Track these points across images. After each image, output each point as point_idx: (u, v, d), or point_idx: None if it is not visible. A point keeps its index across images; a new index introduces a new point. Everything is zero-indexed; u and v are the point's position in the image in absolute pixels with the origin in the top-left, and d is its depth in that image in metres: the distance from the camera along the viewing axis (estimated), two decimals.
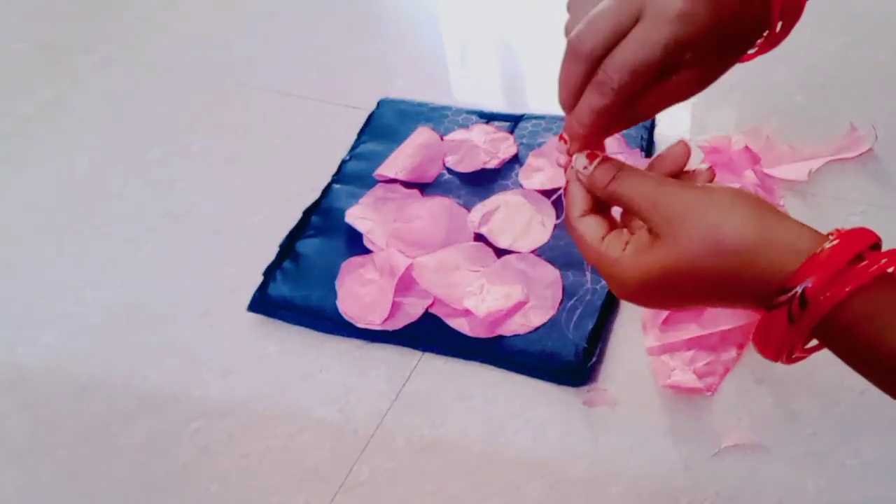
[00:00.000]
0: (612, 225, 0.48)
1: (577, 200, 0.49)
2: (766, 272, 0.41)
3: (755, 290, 0.42)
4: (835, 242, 0.40)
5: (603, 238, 0.47)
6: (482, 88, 1.07)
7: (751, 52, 0.51)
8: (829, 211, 0.84)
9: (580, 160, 0.48)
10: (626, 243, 0.46)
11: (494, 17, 1.17)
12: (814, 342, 0.43)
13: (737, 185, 0.82)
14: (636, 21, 0.44)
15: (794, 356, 0.43)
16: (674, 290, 0.44)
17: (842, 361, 0.43)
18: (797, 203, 0.85)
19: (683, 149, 0.48)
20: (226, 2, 1.24)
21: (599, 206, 0.49)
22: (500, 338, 0.77)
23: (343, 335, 0.80)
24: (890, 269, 0.40)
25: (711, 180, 0.47)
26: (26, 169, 1.03)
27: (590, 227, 0.48)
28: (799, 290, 0.40)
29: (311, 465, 0.72)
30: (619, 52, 0.44)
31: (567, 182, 0.50)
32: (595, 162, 0.47)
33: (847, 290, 0.39)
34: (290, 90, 1.08)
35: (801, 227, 0.42)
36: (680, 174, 0.48)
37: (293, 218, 0.90)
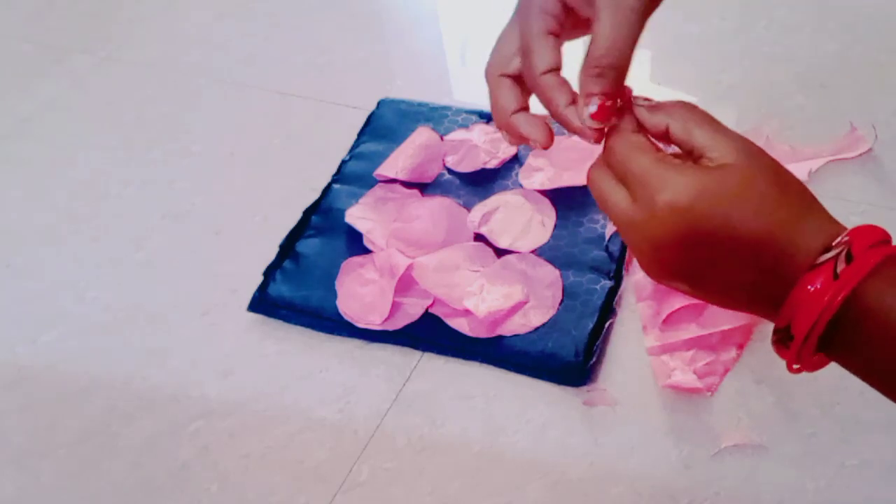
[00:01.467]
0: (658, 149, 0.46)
1: (629, 123, 0.46)
2: (815, 228, 0.42)
3: (802, 244, 0.41)
4: (861, 227, 0.41)
5: (658, 150, 0.44)
6: (482, 88, 1.06)
7: None
8: (829, 211, 0.84)
9: (640, 100, 0.47)
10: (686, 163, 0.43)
11: (494, 17, 1.17)
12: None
13: None
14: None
15: (809, 343, 0.41)
16: (726, 222, 0.41)
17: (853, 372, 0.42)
18: None
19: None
20: (226, 2, 1.24)
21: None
22: (500, 338, 0.77)
23: (343, 335, 0.80)
24: None
25: None
26: (26, 169, 1.03)
27: (643, 140, 0.45)
28: (845, 248, 0.40)
29: (311, 465, 0.72)
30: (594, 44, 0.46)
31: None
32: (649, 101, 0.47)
33: (890, 252, 0.40)
34: (290, 90, 1.08)
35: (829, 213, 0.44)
36: None
37: (293, 218, 0.90)
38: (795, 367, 0.43)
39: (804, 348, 0.41)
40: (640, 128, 0.46)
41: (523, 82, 0.50)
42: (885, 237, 0.41)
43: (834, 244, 0.41)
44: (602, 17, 0.45)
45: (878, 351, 0.41)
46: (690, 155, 0.44)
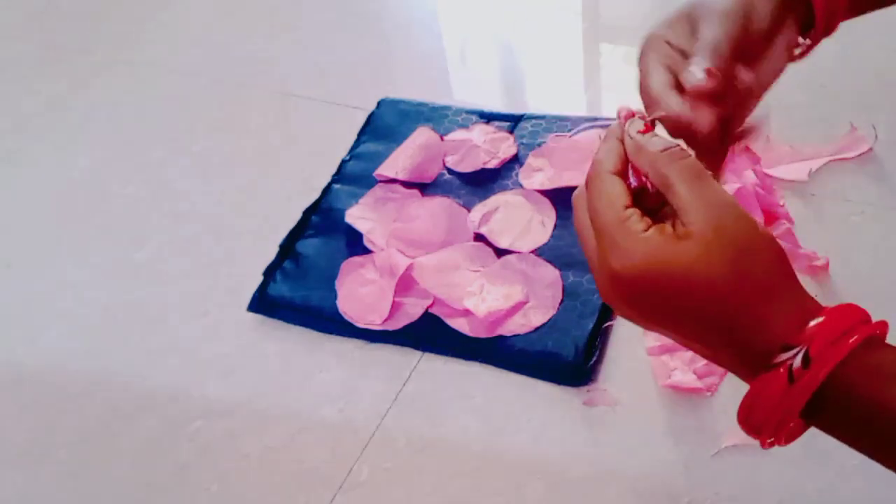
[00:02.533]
0: (631, 196, 0.44)
1: (613, 156, 0.44)
2: (772, 320, 0.39)
3: (754, 337, 0.40)
4: (835, 309, 0.40)
5: (626, 207, 0.42)
6: (482, 88, 1.07)
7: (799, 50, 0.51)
8: (829, 211, 0.84)
9: (635, 124, 0.44)
10: (650, 226, 0.41)
11: (494, 17, 1.17)
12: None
13: (737, 186, 0.83)
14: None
15: (778, 433, 0.40)
16: (674, 299, 0.41)
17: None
18: (797, 203, 0.85)
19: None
20: (226, 2, 1.24)
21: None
22: (500, 338, 0.77)
23: (343, 335, 0.80)
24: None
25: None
26: (26, 169, 1.03)
27: (616, 188, 0.43)
28: (803, 348, 0.38)
29: (311, 465, 0.72)
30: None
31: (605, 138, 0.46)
32: (651, 134, 0.43)
33: (851, 341, 0.38)
34: (290, 90, 1.08)
35: (805, 295, 0.41)
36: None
37: (293, 218, 0.90)
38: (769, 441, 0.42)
39: (776, 442, 0.41)
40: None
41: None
42: (860, 319, 0.40)
43: (792, 342, 0.39)
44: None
45: (851, 436, 0.41)
46: (664, 208, 0.43)
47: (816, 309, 0.40)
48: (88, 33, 1.22)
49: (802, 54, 0.52)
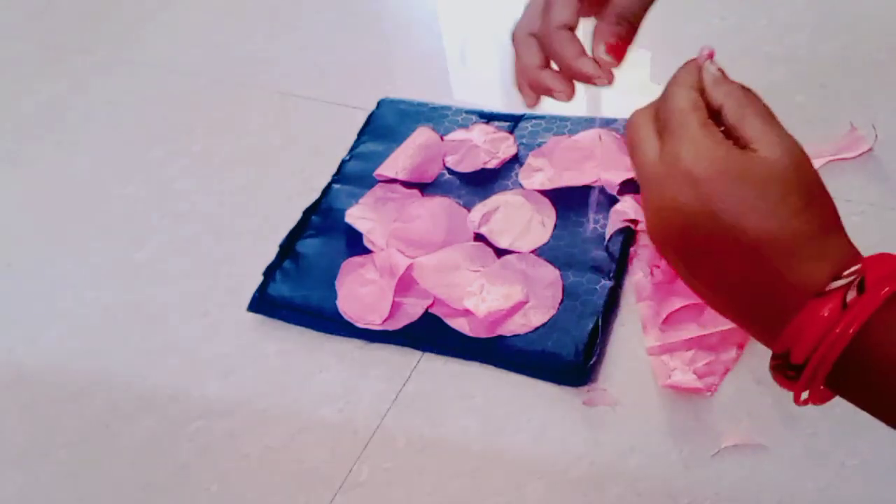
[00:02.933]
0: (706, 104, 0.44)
1: (692, 76, 0.44)
2: (831, 252, 0.39)
3: (811, 266, 0.39)
4: (876, 255, 0.39)
5: (707, 117, 0.42)
6: (482, 88, 1.07)
7: None
8: None
9: (712, 67, 0.44)
10: (722, 131, 0.42)
11: (494, 17, 1.17)
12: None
13: None
14: None
15: (818, 373, 0.39)
16: (741, 206, 0.40)
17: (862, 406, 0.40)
18: None
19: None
20: (226, 2, 1.24)
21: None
22: (500, 338, 0.77)
23: (343, 335, 0.80)
24: None
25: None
26: (26, 169, 1.03)
27: (700, 101, 0.43)
28: (859, 276, 0.38)
29: (311, 465, 0.72)
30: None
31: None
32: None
33: None
34: (290, 90, 1.08)
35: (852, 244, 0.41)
36: None
37: (293, 218, 0.90)
38: (803, 398, 0.41)
39: (813, 382, 0.39)
40: (701, 92, 0.44)
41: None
42: None
43: (846, 273, 0.38)
44: None
45: (887, 385, 0.39)
46: (737, 142, 0.42)
47: (858, 256, 0.40)
48: (88, 33, 1.22)
49: None
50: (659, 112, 0.44)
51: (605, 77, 0.47)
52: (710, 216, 0.40)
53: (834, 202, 0.42)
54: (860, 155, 0.88)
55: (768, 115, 0.42)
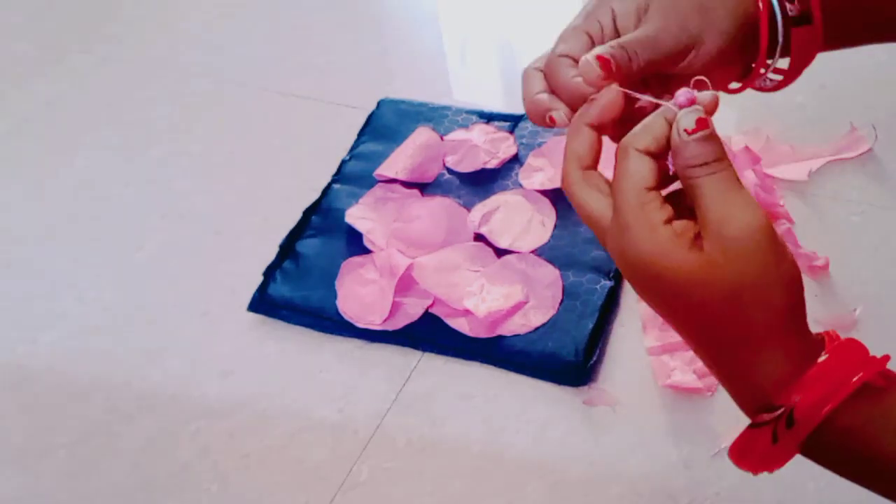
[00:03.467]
0: (660, 177, 0.41)
1: (649, 135, 0.41)
2: (760, 371, 0.40)
3: (738, 379, 0.41)
4: (828, 357, 0.39)
5: (649, 189, 0.40)
6: (482, 88, 1.07)
7: (735, 85, 0.50)
8: (829, 211, 0.84)
9: (688, 119, 0.39)
10: (670, 218, 0.40)
11: (494, 17, 1.17)
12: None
13: None
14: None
15: (770, 470, 0.41)
16: (670, 300, 0.41)
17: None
18: (797, 203, 0.85)
19: (615, 97, 0.43)
20: (226, 2, 1.24)
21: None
22: (500, 338, 0.77)
23: (343, 335, 0.80)
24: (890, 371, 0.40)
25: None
26: (26, 169, 1.03)
27: (643, 168, 0.40)
28: (787, 411, 0.38)
29: (311, 465, 0.72)
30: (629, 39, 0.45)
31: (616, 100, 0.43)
32: (702, 133, 0.39)
33: (826, 409, 0.38)
34: (290, 90, 1.08)
35: (807, 338, 0.40)
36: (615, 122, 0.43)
37: (293, 218, 0.90)
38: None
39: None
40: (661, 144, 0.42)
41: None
42: (858, 361, 0.39)
43: (777, 402, 0.39)
44: (649, 20, 0.45)
45: (839, 473, 0.41)
46: (688, 213, 0.41)
47: (815, 352, 0.39)
48: (88, 33, 1.22)
49: (776, 87, 0.50)
50: (606, 180, 0.43)
51: (593, 88, 0.44)
52: (647, 296, 0.42)
53: (795, 284, 0.40)
54: (860, 155, 0.88)
55: (723, 192, 0.39)
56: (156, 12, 1.24)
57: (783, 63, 0.49)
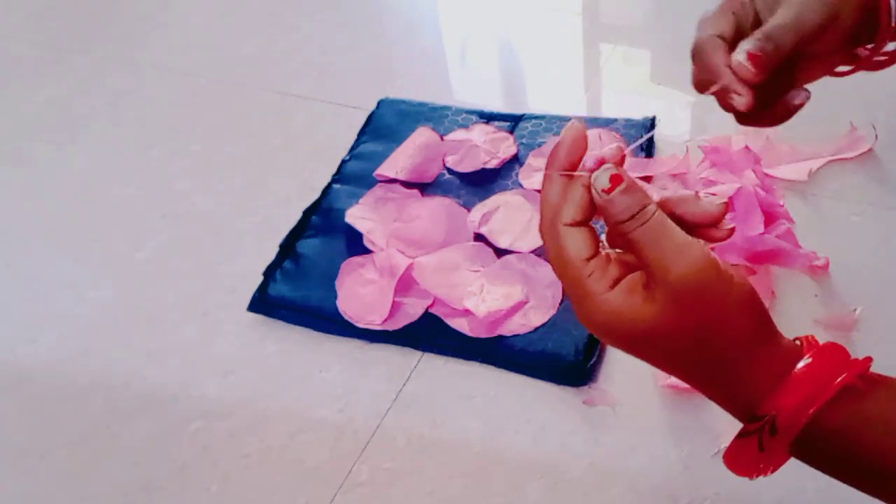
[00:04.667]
0: (596, 241, 0.42)
1: (574, 206, 0.41)
2: (740, 389, 0.42)
3: (723, 400, 0.43)
4: (808, 361, 0.40)
5: (587, 260, 0.41)
6: (482, 88, 1.07)
7: (844, 68, 0.51)
8: (829, 211, 0.84)
9: (602, 178, 0.40)
10: (615, 281, 0.41)
11: (494, 17, 1.18)
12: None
13: (737, 186, 0.83)
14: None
15: (764, 474, 0.43)
16: (642, 350, 0.42)
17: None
18: (797, 203, 0.85)
19: (578, 130, 0.42)
20: (226, 2, 1.24)
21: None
22: (501, 338, 0.77)
23: (343, 335, 0.80)
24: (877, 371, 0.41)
25: (727, 236, 0.42)
26: (26, 169, 1.03)
27: (576, 242, 0.41)
28: (770, 420, 0.40)
29: (311, 465, 0.72)
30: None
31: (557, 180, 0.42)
32: (619, 188, 0.40)
33: (808, 414, 0.39)
34: (290, 90, 1.08)
35: (780, 346, 0.41)
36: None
37: (293, 218, 0.90)
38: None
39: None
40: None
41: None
42: (839, 362, 0.40)
43: (760, 412, 0.41)
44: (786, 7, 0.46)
45: (829, 473, 0.43)
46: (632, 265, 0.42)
47: (792, 357, 0.41)
48: (88, 33, 1.22)
49: (881, 65, 0.51)
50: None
51: (741, 91, 0.45)
52: (625, 350, 0.43)
53: (753, 302, 0.41)
54: (860, 155, 0.88)
55: (657, 239, 0.39)
56: (156, 12, 1.24)
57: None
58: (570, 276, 0.41)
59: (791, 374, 0.40)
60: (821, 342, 0.42)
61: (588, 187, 0.41)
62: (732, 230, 0.43)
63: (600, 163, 0.41)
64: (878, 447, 0.39)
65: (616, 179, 0.40)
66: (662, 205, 0.42)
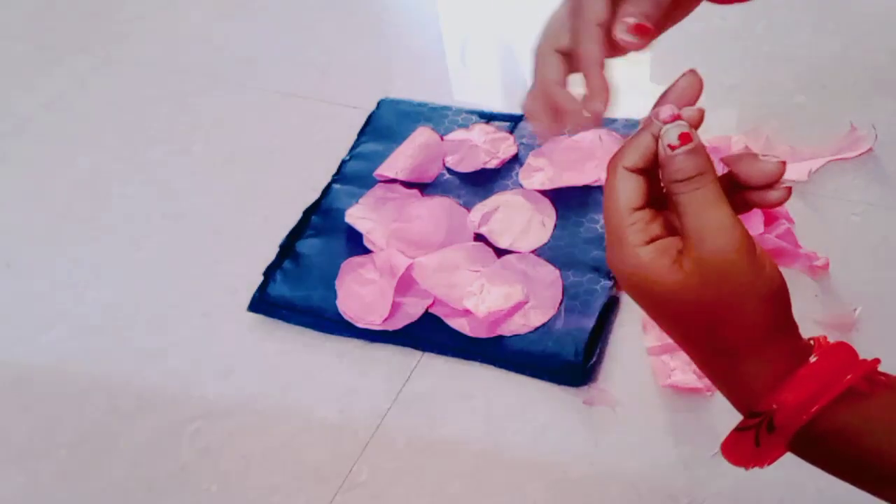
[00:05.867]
0: (648, 193, 0.42)
1: (637, 153, 0.41)
2: (743, 378, 0.41)
3: (724, 384, 0.42)
4: (813, 361, 0.40)
5: (634, 210, 0.41)
6: (482, 88, 1.07)
7: None
8: (829, 211, 0.84)
9: (671, 133, 0.40)
10: (652, 239, 0.41)
11: (494, 17, 1.17)
12: None
13: None
14: None
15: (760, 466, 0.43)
16: (656, 310, 0.42)
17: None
18: (797, 203, 0.85)
19: (692, 81, 0.42)
20: (226, 2, 1.24)
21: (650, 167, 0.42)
22: (501, 338, 0.77)
23: (343, 335, 0.80)
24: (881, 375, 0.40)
25: (784, 198, 0.42)
26: (26, 169, 1.03)
27: (628, 188, 0.41)
28: (768, 417, 0.40)
29: (311, 465, 0.72)
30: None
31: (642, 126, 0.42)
32: (685, 147, 0.40)
33: (806, 415, 0.39)
34: (290, 90, 1.08)
35: (791, 345, 0.41)
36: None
37: (293, 218, 0.90)
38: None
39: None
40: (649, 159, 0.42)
41: (571, 61, 0.49)
42: (844, 362, 0.40)
43: (758, 409, 0.40)
44: None
45: (826, 471, 0.43)
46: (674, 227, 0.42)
47: (802, 356, 0.40)
48: (88, 33, 1.22)
49: None
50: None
51: (599, 108, 0.45)
52: (640, 304, 0.43)
53: (779, 294, 0.41)
54: (860, 155, 0.88)
55: (704, 209, 0.40)
56: (156, 12, 1.24)
57: None
58: (613, 220, 0.41)
59: (794, 373, 0.40)
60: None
61: (657, 137, 0.41)
62: (789, 190, 0.42)
63: (676, 117, 0.41)
64: (878, 449, 0.39)
65: (685, 138, 0.40)
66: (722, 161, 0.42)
